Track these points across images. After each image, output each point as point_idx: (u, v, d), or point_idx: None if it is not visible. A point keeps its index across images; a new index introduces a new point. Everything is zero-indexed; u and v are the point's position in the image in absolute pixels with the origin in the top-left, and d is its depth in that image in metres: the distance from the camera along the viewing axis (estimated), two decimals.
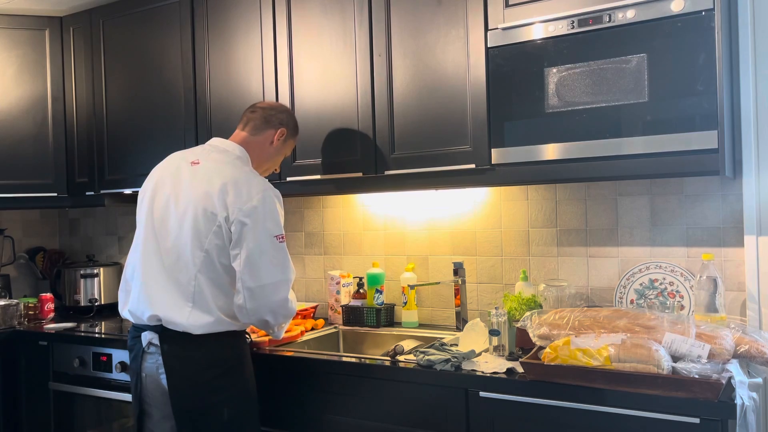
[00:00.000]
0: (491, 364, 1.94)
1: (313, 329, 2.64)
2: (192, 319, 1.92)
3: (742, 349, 1.69)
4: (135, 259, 2.07)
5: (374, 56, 2.35)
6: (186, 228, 1.95)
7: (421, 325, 2.66)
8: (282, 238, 1.97)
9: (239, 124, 2.21)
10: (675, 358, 1.66)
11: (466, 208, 2.62)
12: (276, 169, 2.35)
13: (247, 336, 2.17)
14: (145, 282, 2.00)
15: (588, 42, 1.94)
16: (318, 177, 2.48)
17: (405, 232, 2.76)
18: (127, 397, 2.49)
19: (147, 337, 1.98)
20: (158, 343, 1.96)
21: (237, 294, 1.94)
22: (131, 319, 2.05)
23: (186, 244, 1.94)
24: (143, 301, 1.99)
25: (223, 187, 1.94)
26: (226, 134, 2.77)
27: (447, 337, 2.39)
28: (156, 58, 2.88)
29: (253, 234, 1.91)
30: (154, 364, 1.98)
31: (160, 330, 1.96)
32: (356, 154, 2.39)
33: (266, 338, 2.34)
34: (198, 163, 2.04)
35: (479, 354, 2.04)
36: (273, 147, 2.20)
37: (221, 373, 1.97)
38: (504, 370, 1.89)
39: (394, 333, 2.58)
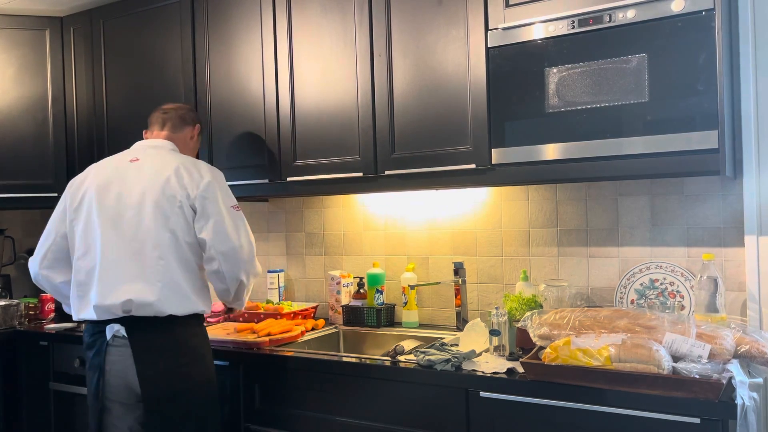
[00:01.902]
0: (492, 364, 1.94)
1: (313, 329, 2.64)
2: (163, 296, 1.98)
3: (742, 349, 1.68)
4: (89, 262, 2.06)
5: (374, 56, 2.35)
6: (147, 214, 2.02)
7: (421, 325, 2.66)
8: (237, 207, 2.15)
9: (153, 126, 2.29)
10: (675, 358, 1.66)
11: (466, 208, 2.62)
12: None
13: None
14: (111, 275, 2.01)
15: (588, 42, 1.94)
16: (318, 177, 2.48)
17: (405, 232, 2.76)
18: None
19: (113, 329, 2.00)
20: (125, 334, 1.98)
21: (211, 262, 2.06)
22: (93, 317, 2.03)
23: (150, 228, 2.02)
24: (112, 292, 1.99)
25: (177, 171, 2.08)
26: (226, 134, 2.78)
27: (447, 337, 2.39)
28: (156, 58, 2.88)
29: (214, 205, 2.07)
30: (120, 356, 2.00)
31: (128, 320, 1.98)
32: (356, 154, 2.39)
33: (266, 338, 2.34)
34: (138, 159, 2.14)
35: (479, 354, 2.04)
36: (193, 141, 2.36)
37: (190, 361, 2.04)
38: (504, 370, 1.89)
39: (395, 333, 2.58)
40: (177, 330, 2.02)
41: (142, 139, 2.29)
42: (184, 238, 2.05)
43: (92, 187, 2.11)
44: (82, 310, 2.07)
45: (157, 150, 2.19)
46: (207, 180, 2.09)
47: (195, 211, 2.06)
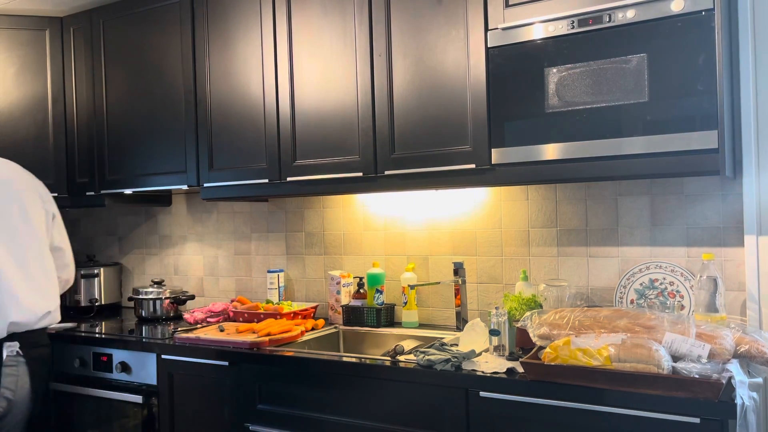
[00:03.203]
0: (491, 364, 1.94)
1: (313, 329, 2.64)
2: (57, 306, 2.04)
3: (742, 349, 1.69)
4: None
5: (374, 56, 2.35)
6: (23, 224, 2.01)
7: (421, 325, 2.66)
8: None
9: None
10: (675, 358, 1.66)
11: (466, 208, 2.62)
12: None
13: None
14: (13, 288, 1.92)
15: (588, 42, 1.94)
16: (318, 177, 2.48)
17: (405, 232, 2.76)
18: (129, 397, 2.49)
19: (9, 347, 1.85)
20: (18, 351, 1.87)
21: (68, 261, 2.22)
22: None
23: (33, 239, 2.03)
24: (26, 309, 1.89)
25: (21, 177, 2.10)
26: (226, 134, 2.78)
27: (447, 337, 2.39)
28: (156, 59, 2.88)
29: (58, 212, 2.22)
30: (14, 375, 1.86)
31: (20, 336, 1.88)
32: (356, 154, 2.39)
33: (266, 338, 2.34)
34: None
35: (479, 354, 2.04)
36: None
37: (51, 366, 2.05)
38: (504, 370, 1.89)
39: (395, 333, 2.58)
40: (47, 337, 1.99)
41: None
42: (49, 245, 2.11)
43: None
44: None
45: None
46: (44, 187, 2.19)
47: (51, 219, 2.12)
